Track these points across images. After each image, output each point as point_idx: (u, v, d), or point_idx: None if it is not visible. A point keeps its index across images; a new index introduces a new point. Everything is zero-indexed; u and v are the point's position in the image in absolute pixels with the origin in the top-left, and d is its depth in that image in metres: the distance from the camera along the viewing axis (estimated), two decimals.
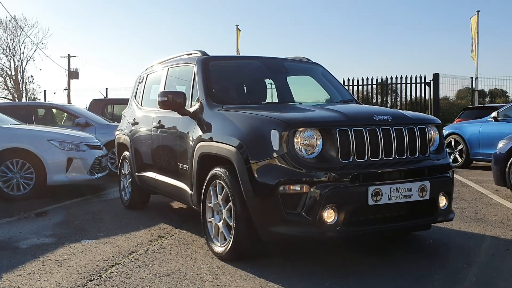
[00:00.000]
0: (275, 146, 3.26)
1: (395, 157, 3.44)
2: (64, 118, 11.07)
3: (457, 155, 10.48)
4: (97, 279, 3.36)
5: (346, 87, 17.81)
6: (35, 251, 4.12)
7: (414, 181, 3.41)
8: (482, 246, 3.98)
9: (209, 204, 3.89)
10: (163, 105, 4.35)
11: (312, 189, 3.14)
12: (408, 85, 17.23)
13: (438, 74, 16.53)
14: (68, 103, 46.66)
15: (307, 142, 3.28)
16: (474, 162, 10.39)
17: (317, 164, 3.23)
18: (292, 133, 3.24)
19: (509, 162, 6.02)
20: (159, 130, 4.86)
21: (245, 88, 4.76)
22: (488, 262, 3.55)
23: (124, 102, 14.25)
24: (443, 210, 3.62)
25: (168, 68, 5.17)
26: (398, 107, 17.16)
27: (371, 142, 3.36)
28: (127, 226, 5.05)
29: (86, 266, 3.67)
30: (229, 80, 4.76)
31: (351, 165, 3.27)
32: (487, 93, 54.04)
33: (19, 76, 51.96)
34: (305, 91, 5.29)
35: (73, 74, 47.98)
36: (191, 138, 4.16)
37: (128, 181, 5.94)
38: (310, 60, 5.26)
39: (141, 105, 5.78)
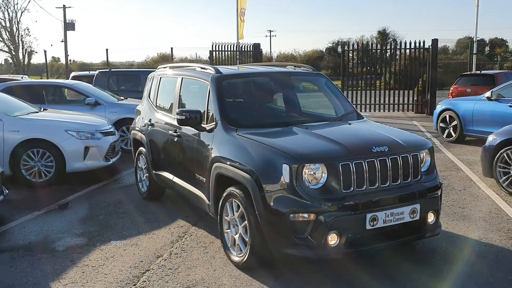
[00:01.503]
0: (286, 178, 3.74)
1: (390, 183, 3.94)
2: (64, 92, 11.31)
3: (451, 131, 10.97)
4: None
5: (346, 51, 18.01)
6: (72, 255, 4.67)
7: (406, 205, 3.93)
8: (464, 253, 4.53)
9: (225, 217, 4.41)
10: (181, 122, 4.79)
11: (318, 217, 3.66)
12: (407, 51, 17.40)
13: (437, 39, 16.71)
14: (65, 55, 46.44)
15: (313, 174, 3.76)
16: (467, 137, 10.87)
17: (321, 195, 3.73)
18: (301, 167, 3.72)
19: (497, 156, 6.52)
20: (176, 138, 5.31)
21: (256, 107, 5.17)
22: (468, 274, 4.11)
23: (127, 74, 14.60)
24: (431, 226, 4.17)
25: (182, 78, 5.55)
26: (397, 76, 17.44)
27: (370, 172, 3.85)
28: (148, 223, 5.59)
29: (120, 273, 4.23)
30: (242, 98, 5.16)
31: (351, 194, 3.78)
32: (487, 42, 53.71)
33: (14, 28, 51.38)
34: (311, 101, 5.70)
35: (69, 26, 47.48)
36: (208, 155, 4.62)
37: (145, 175, 6.43)
38: (315, 70, 5.64)
39: (155, 106, 6.18)
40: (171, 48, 21.94)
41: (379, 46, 17.94)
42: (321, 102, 5.49)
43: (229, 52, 17.57)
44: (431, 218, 4.16)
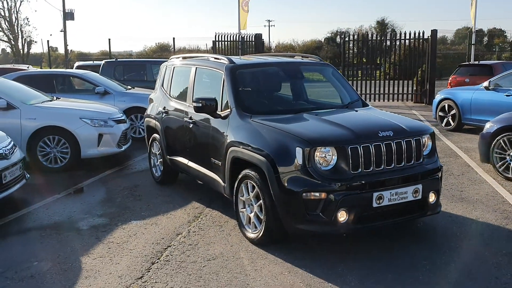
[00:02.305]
0: (300, 160, 4.08)
1: (395, 165, 4.28)
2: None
3: (450, 119, 11.30)
4: (158, 262, 4.27)
5: (346, 42, 18.28)
6: (97, 233, 5.01)
7: (409, 185, 4.28)
8: (462, 230, 4.88)
9: (241, 197, 4.74)
10: (198, 109, 5.11)
11: (328, 196, 4.00)
12: (407, 41, 17.67)
13: (436, 30, 16.99)
14: (65, 45, 46.50)
15: (324, 156, 4.10)
16: (465, 126, 11.20)
17: (332, 175, 4.07)
18: (313, 150, 4.05)
19: (493, 143, 6.85)
20: (191, 125, 5.62)
21: (268, 96, 5.49)
22: (467, 248, 4.46)
23: (132, 64, 14.87)
24: (432, 205, 4.51)
25: (196, 68, 5.86)
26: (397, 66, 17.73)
27: (376, 155, 4.19)
28: (165, 204, 5.93)
29: (144, 249, 4.57)
30: (254, 87, 5.48)
31: (359, 175, 4.11)
32: (486, 32, 53.86)
33: (13, 17, 51.45)
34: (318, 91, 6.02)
35: (68, 15, 47.41)
36: (223, 140, 4.94)
37: (159, 160, 6.76)
38: (321, 60, 5.95)
39: (169, 95, 6.49)
40: (173, 38, 22.21)
41: (379, 37, 18.20)
42: (327, 91, 5.81)
43: (231, 42, 17.81)
44: (432, 197, 4.50)
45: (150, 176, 7.22)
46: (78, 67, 17.64)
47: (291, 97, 5.64)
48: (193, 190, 6.57)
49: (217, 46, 17.51)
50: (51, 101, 8.46)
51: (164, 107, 6.46)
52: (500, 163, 6.82)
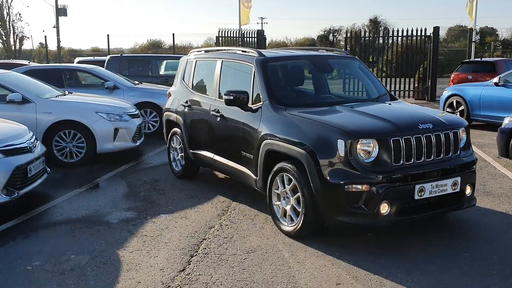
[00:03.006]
0: (341, 153, 4.06)
1: (434, 158, 4.29)
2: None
3: (458, 115, 11.35)
4: (196, 255, 4.24)
5: (349, 39, 18.30)
6: (127, 226, 4.96)
7: (449, 178, 4.28)
8: (495, 223, 4.90)
9: (275, 191, 4.72)
10: (229, 102, 5.08)
11: (371, 188, 3.99)
12: (409, 38, 17.72)
13: (438, 27, 17.08)
14: (57, 41, 46.06)
15: (366, 149, 4.09)
16: (473, 122, 11.26)
17: (374, 168, 4.06)
18: (355, 142, 4.04)
19: None
20: (218, 118, 5.58)
21: (299, 88, 5.48)
22: (504, 240, 4.48)
23: (138, 60, 14.76)
24: (468, 198, 4.53)
25: (222, 61, 5.82)
26: (399, 62, 17.76)
27: (417, 147, 4.19)
28: (189, 199, 5.89)
29: (179, 242, 4.54)
30: (285, 80, 5.46)
31: (401, 167, 4.11)
32: (478, 31, 54.40)
33: (5, 13, 50.88)
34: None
35: (61, 11, 47.00)
36: (256, 133, 4.91)
37: (180, 155, 6.71)
38: (348, 54, 5.95)
39: (192, 89, 6.44)
40: (173, 34, 22.03)
41: (382, 34, 18.23)
42: (355, 84, 5.79)
43: (234, 38, 17.76)
44: (468, 190, 4.51)
45: (168, 170, 7.18)
46: (80, 63, 17.48)
47: (320, 90, 5.63)
48: (215, 184, 6.53)
49: (220, 41, 17.45)
50: (64, 95, 8.37)
51: (186, 101, 6.41)
52: None
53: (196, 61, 6.54)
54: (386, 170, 4.06)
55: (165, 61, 15.10)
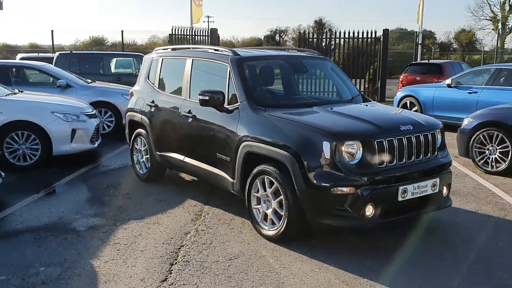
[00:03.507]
0: (327, 155, 4.00)
1: (414, 159, 4.31)
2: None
3: None
4: (176, 263, 4.04)
5: (303, 40, 18.44)
6: (97, 234, 4.68)
7: (429, 179, 4.32)
8: (467, 222, 5.01)
9: (255, 194, 4.60)
10: (204, 102, 4.91)
11: (357, 191, 3.95)
12: (359, 40, 18.07)
13: (388, 29, 17.52)
14: None
15: (350, 150, 4.04)
16: None
17: (359, 170, 4.02)
18: (340, 144, 3.99)
19: (473, 138, 7.12)
20: (190, 119, 5.39)
21: (276, 89, 5.37)
22: (478, 239, 4.57)
23: (88, 57, 14.17)
24: (445, 198, 4.60)
25: (193, 60, 5.62)
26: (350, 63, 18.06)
27: (399, 149, 4.19)
28: (159, 203, 5.65)
29: (156, 249, 4.32)
30: (262, 81, 5.33)
31: (384, 169, 4.10)
32: (417, 34, 56.70)
33: None
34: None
35: None
36: (233, 135, 4.76)
37: (145, 157, 6.45)
38: (320, 55, 5.91)
39: (158, 88, 6.20)
40: (122, 32, 21.31)
41: (333, 35, 18.47)
42: (327, 85, 5.76)
43: (188, 37, 17.45)
44: (445, 191, 4.58)
45: (131, 173, 6.90)
46: (23, 59, 16.59)
47: (295, 90, 5.55)
48: (183, 187, 6.33)
49: (174, 39, 17.08)
50: (15, 94, 7.86)
51: (153, 101, 6.16)
52: (479, 157, 7.10)
53: (162, 59, 6.30)
54: (371, 172, 4.04)
55: (114, 59, 14.60)
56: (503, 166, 6.84)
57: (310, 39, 18.46)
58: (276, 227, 4.38)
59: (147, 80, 6.50)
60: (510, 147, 6.72)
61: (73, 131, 7.37)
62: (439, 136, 4.68)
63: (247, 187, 4.65)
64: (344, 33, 18.20)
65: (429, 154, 4.45)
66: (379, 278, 3.76)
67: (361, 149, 4.06)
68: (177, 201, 5.70)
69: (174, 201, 5.72)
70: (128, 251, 4.30)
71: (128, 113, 6.77)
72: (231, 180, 4.88)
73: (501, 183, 6.48)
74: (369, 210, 4.02)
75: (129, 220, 5.08)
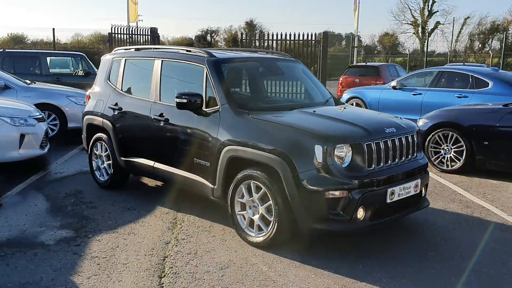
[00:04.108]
0: (319, 159, 3.96)
1: (398, 161, 4.38)
2: None
3: None
4: (165, 276, 3.84)
5: (239, 42, 18.41)
6: (70, 247, 4.35)
7: (412, 180, 4.41)
8: (441, 221, 5.17)
9: (239, 200, 4.47)
10: (181, 105, 4.71)
11: (350, 194, 3.94)
12: (300, 42, 18.32)
13: (327, 32, 17.90)
14: None
15: (340, 154, 4.03)
16: None
17: (349, 173, 4.02)
18: (333, 147, 3.97)
19: (428, 138, 7.40)
20: (162, 122, 5.16)
21: (253, 92, 5.26)
22: (456, 237, 4.72)
23: (25, 56, 13.28)
24: (424, 199, 4.72)
25: (162, 61, 5.39)
26: None
27: (385, 151, 4.24)
28: (128, 211, 5.36)
29: (139, 262, 4.08)
30: (240, 83, 5.21)
31: (373, 171, 4.13)
32: (343, 37, 58.69)
33: None
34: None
35: None
36: (213, 139, 4.61)
37: (106, 163, 6.11)
38: (291, 57, 5.88)
39: (122, 90, 5.89)
40: (53, 29, 20.18)
41: (274, 37, 18.57)
42: (298, 88, 5.75)
43: (126, 36, 16.84)
44: (423, 191, 4.70)
45: (88, 180, 6.52)
46: None
47: (273, 93, 5.48)
48: (149, 194, 6.06)
49: (113, 38, 16.42)
50: None
51: (116, 104, 5.84)
52: (435, 157, 7.39)
53: (125, 60, 5.99)
54: (361, 175, 4.04)
55: (49, 58, 13.79)
56: (458, 164, 7.15)
57: (252, 40, 18.46)
58: (264, 233, 4.28)
59: (108, 81, 6.16)
60: (464, 147, 7.05)
61: (22, 136, 6.85)
62: (415, 138, 4.79)
63: (230, 192, 4.52)
64: (285, 35, 18.37)
65: (409, 156, 4.54)
66: (375, 281, 3.77)
67: (350, 152, 4.06)
68: (147, 209, 5.44)
69: (143, 209, 5.46)
70: (109, 264, 4.03)
71: (87, 117, 6.38)
72: (211, 186, 4.72)
73: (459, 181, 6.77)
74: (360, 213, 4.03)
75: (100, 231, 4.77)
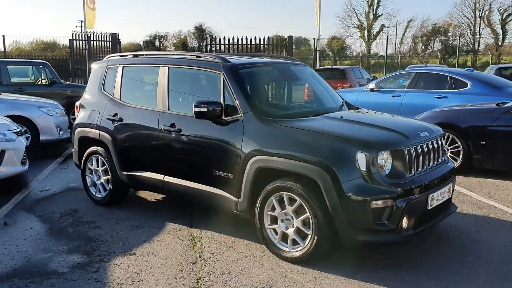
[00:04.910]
0: (362, 167, 3.77)
1: (432, 165, 4.28)
2: None
3: None
4: None
5: (209, 46, 18.09)
6: (89, 274, 3.96)
7: (446, 184, 4.32)
8: (462, 224, 5.11)
9: (269, 213, 4.22)
10: (200, 115, 4.41)
11: (395, 202, 3.78)
12: (266, 46, 18.24)
13: (292, 36, 17.90)
14: None
15: (382, 161, 3.87)
16: None
17: (392, 180, 3.86)
18: (376, 154, 3.79)
19: None
20: (173, 133, 4.83)
21: (275, 97, 5.02)
22: (485, 239, 4.67)
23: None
24: (452, 203, 4.63)
25: (169, 68, 5.06)
26: None
27: (422, 156, 4.12)
28: (137, 230, 4.99)
29: (171, 286, 3.75)
30: (260, 89, 4.94)
31: (414, 178, 3.99)
32: (293, 41, 59.51)
33: None
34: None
35: None
36: (237, 150, 4.33)
37: (104, 178, 5.68)
38: (299, 61, 5.69)
39: (121, 100, 5.50)
40: (3, 36, 19.07)
41: (243, 41, 18.37)
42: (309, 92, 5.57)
43: (84, 42, 16.15)
44: (452, 197, 4.62)
45: (80, 197, 6.08)
46: None
47: (291, 98, 5.26)
48: (152, 209, 5.69)
49: (75, 45, 15.68)
50: None
51: (115, 114, 5.44)
52: None
53: (122, 67, 5.59)
54: (404, 182, 3.89)
55: (9, 67, 12.93)
56: (455, 165, 7.18)
57: (216, 45, 18.16)
58: (300, 248, 4.05)
59: (102, 91, 5.74)
60: (461, 147, 7.09)
61: (2, 152, 6.29)
62: (443, 141, 4.71)
63: (258, 206, 4.26)
64: (251, 39, 18.22)
65: (440, 160, 4.45)
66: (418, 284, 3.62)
67: (390, 158, 3.91)
68: (156, 226, 5.08)
69: (152, 226, 5.09)
70: None
71: (79, 129, 5.92)
72: (235, 199, 4.44)
73: (459, 182, 6.79)
74: (405, 222, 3.88)
75: (115, 254, 4.38)
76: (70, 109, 11.57)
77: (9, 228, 5.06)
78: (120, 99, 5.52)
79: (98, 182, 5.79)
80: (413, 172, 4.01)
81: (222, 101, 4.53)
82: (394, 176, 3.90)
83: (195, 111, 4.41)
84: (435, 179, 4.17)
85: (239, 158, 4.33)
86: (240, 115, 4.41)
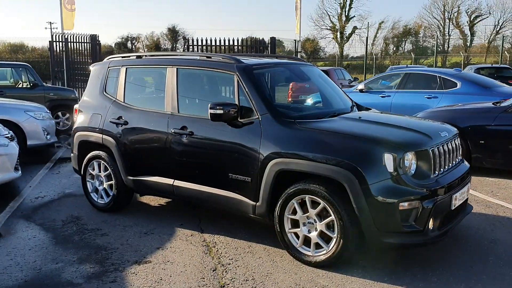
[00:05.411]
0: (390, 168, 3.72)
1: (453, 166, 4.26)
2: None
3: None
4: None
5: (188, 47, 17.87)
6: (107, 284, 3.78)
7: (465, 184, 4.31)
8: (474, 223, 5.12)
9: (290, 216, 4.13)
10: (216, 117, 4.29)
11: (422, 203, 3.74)
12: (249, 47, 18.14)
13: (275, 37, 17.87)
14: None
15: (408, 162, 3.82)
16: None
17: (418, 181, 3.81)
18: (403, 155, 3.74)
19: None
20: (185, 136, 4.69)
21: (290, 98, 4.92)
22: (502, 238, 4.67)
23: None
24: (468, 203, 4.63)
25: (177, 69, 4.91)
26: None
27: (444, 156, 4.10)
28: (146, 236, 4.83)
29: None
30: (274, 90, 4.84)
31: (437, 178, 3.96)
32: (268, 43, 59.64)
33: None
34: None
35: None
36: (255, 152, 4.22)
37: (107, 183, 5.49)
38: (306, 62, 5.61)
39: (125, 102, 5.32)
40: None
41: (215, 42, 18.21)
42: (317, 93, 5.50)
43: (62, 43, 15.74)
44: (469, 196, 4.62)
45: (79, 203, 5.87)
46: None
47: (305, 99, 5.17)
48: (158, 214, 5.52)
49: (55, 47, 15.26)
50: None
51: (120, 117, 5.26)
52: None
53: (126, 69, 5.41)
54: (430, 183, 3.86)
55: None
56: None
57: (197, 46, 17.94)
58: (325, 251, 3.97)
59: (104, 93, 5.55)
60: (463, 147, 7.14)
61: None
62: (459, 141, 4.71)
63: (277, 209, 4.16)
64: (234, 40, 18.09)
65: (458, 160, 4.44)
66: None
67: (415, 159, 3.86)
68: (166, 232, 4.92)
69: (161, 232, 4.93)
70: None
71: (79, 133, 5.70)
72: (252, 203, 4.33)
73: None
74: (431, 223, 3.84)
75: (129, 262, 4.21)
76: (53, 112, 11.23)
77: (10, 237, 4.82)
78: (124, 102, 5.33)
79: (100, 188, 5.59)
80: (436, 172, 3.98)
81: (237, 103, 4.42)
82: (419, 177, 3.86)
83: (210, 113, 4.28)
84: (456, 179, 4.15)
85: (257, 161, 4.22)
86: (257, 116, 4.30)
